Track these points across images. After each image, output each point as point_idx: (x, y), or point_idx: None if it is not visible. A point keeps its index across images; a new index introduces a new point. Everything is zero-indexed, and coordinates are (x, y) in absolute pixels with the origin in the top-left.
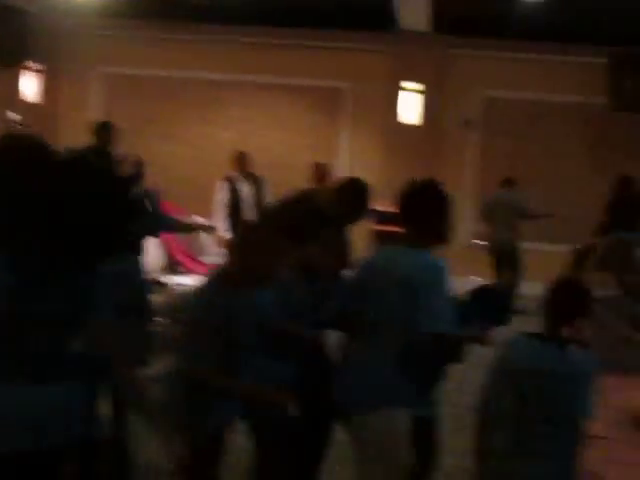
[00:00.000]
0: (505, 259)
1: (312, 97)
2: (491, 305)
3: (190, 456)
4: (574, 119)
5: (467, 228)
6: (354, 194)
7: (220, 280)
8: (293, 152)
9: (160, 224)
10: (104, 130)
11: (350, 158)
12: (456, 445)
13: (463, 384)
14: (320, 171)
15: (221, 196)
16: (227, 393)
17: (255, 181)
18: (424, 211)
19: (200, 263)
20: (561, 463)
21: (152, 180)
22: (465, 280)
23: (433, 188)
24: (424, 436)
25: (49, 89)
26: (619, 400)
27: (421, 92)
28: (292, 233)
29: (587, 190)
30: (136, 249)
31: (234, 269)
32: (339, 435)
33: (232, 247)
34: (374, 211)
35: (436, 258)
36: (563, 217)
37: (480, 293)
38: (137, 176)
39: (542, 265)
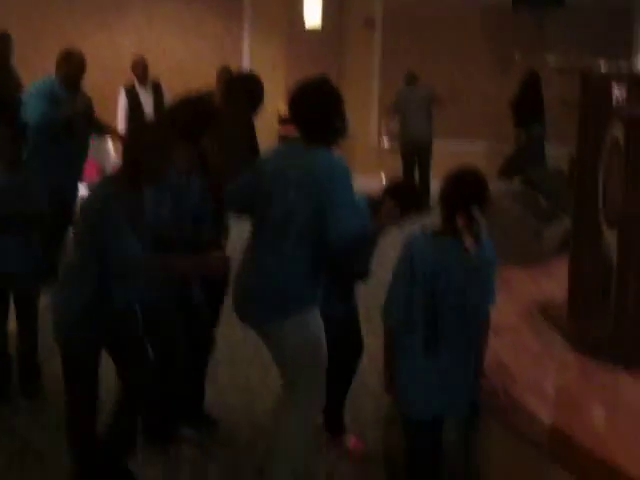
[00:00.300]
0: (419, 154)
1: (212, 1)
2: (407, 201)
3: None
4: (477, 18)
5: (374, 128)
6: (244, 86)
7: (111, 184)
8: (194, 58)
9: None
10: (1, 42)
11: (252, 62)
12: (368, 347)
13: (376, 286)
14: (225, 74)
15: (121, 104)
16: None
17: (155, 87)
18: (314, 108)
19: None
20: (471, 355)
21: None
22: (375, 177)
23: (322, 84)
24: (347, 334)
25: None
26: (526, 291)
27: None
28: (185, 131)
29: (492, 88)
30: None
31: (123, 170)
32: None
33: (122, 149)
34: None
35: (335, 157)
36: (468, 115)
37: (395, 190)
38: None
39: (449, 162)
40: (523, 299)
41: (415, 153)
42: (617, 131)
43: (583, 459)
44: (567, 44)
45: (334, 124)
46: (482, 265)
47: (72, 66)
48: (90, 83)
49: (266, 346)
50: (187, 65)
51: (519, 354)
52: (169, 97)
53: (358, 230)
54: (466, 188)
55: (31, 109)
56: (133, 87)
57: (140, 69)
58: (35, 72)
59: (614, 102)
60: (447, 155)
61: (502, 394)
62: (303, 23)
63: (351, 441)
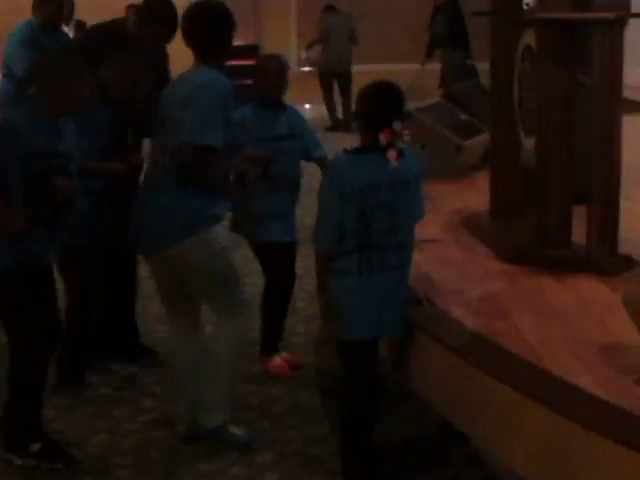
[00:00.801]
0: (339, 80)
1: None
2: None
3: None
4: None
5: (294, 56)
6: (155, 12)
7: (23, 111)
8: None
9: None
10: None
11: None
12: (304, 289)
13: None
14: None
15: None
16: None
17: (78, 27)
18: (211, 27)
19: None
20: (405, 272)
21: None
22: (296, 104)
23: (217, 6)
24: (288, 262)
25: None
26: (449, 205)
27: None
28: (86, 55)
29: (412, 12)
30: None
31: (38, 98)
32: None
33: (35, 75)
34: None
35: (218, 75)
36: (389, 38)
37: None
38: None
39: None
40: (446, 212)
41: (334, 79)
42: (529, 37)
43: (509, 365)
44: None
45: (228, 43)
46: (410, 179)
47: (50, 8)
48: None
49: (178, 275)
50: (101, 3)
51: (443, 265)
52: None
53: (203, 143)
54: (387, 103)
55: (16, 59)
56: None
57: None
58: None
59: (525, 9)
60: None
61: (427, 304)
62: None
63: (276, 361)
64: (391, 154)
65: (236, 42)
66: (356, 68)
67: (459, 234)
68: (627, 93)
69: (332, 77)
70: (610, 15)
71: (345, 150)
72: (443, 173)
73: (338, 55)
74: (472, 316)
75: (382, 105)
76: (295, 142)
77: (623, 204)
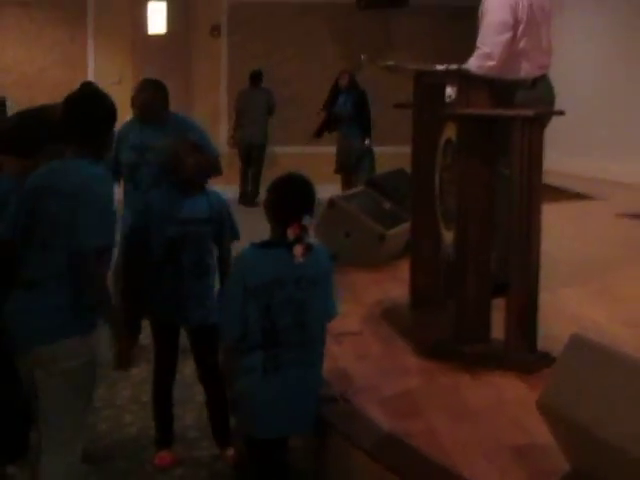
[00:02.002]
0: (252, 154)
1: (54, 12)
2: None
3: None
4: (324, 22)
5: (223, 135)
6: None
7: None
8: (38, 70)
9: None
10: None
11: (97, 73)
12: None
13: None
14: None
15: None
16: None
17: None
18: (94, 118)
19: None
20: (315, 370)
21: None
22: (227, 186)
23: (101, 94)
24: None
25: None
26: (370, 295)
27: None
28: (20, 145)
29: None
30: None
31: None
32: None
33: None
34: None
35: (98, 168)
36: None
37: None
38: None
39: (293, 168)
40: (366, 303)
41: (249, 157)
42: (450, 131)
43: (422, 469)
44: (412, 45)
45: (110, 135)
46: (318, 276)
47: None
48: None
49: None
50: (30, 77)
51: (360, 359)
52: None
53: (100, 245)
54: (296, 198)
55: None
56: None
57: None
58: None
59: (446, 101)
60: (291, 160)
61: (341, 402)
62: (148, 29)
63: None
64: (297, 249)
65: None
66: (287, 150)
67: (378, 326)
68: (549, 179)
69: (247, 150)
70: (529, 112)
71: (252, 244)
72: (365, 262)
73: (252, 128)
74: (387, 415)
75: (291, 199)
76: (210, 226)
77: (542, 296)
